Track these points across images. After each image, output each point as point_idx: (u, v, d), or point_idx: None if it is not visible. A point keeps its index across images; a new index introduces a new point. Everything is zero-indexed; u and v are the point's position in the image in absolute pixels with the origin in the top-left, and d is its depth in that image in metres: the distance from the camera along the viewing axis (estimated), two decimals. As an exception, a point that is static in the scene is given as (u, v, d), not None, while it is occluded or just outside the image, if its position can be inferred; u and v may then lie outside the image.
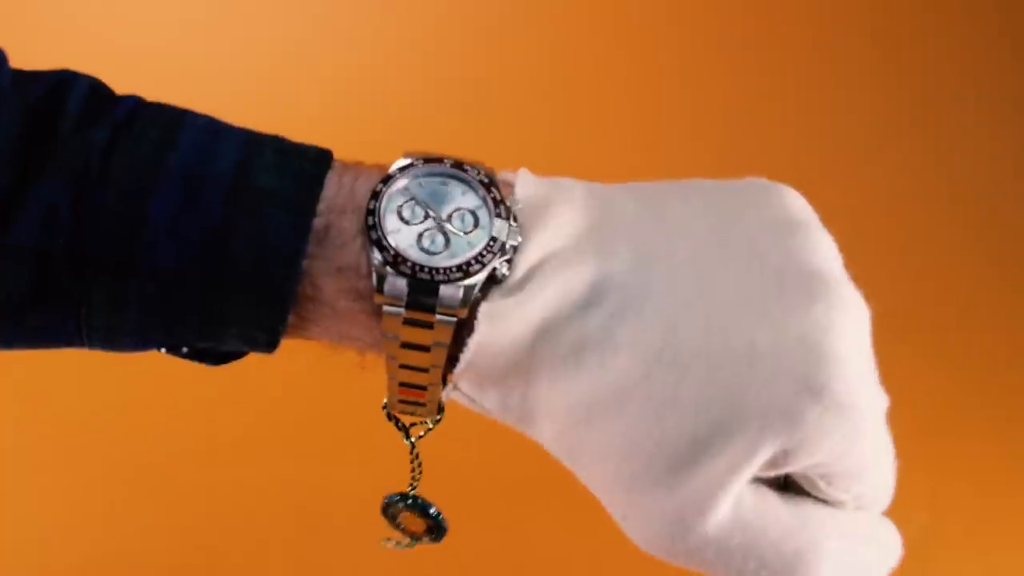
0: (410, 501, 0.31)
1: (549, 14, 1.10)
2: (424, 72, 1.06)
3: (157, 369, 0.50)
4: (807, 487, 0.27)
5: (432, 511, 0.31)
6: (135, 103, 0.27)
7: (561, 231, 0.26)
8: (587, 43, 1.11)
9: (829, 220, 0.28)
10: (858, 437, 0.24)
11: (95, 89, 0.27)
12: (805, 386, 0.24)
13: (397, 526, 0.32)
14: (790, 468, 0.25)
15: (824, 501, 0.27)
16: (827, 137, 1.12)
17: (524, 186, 0.27)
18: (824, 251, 0.27)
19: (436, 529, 0.32)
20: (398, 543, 0.33)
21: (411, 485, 0.31)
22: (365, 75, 1.04)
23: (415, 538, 0.33)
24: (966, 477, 0.88)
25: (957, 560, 0.85)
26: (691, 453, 0.24)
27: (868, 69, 1.14)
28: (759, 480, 0.26)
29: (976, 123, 1.15)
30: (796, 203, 0.28)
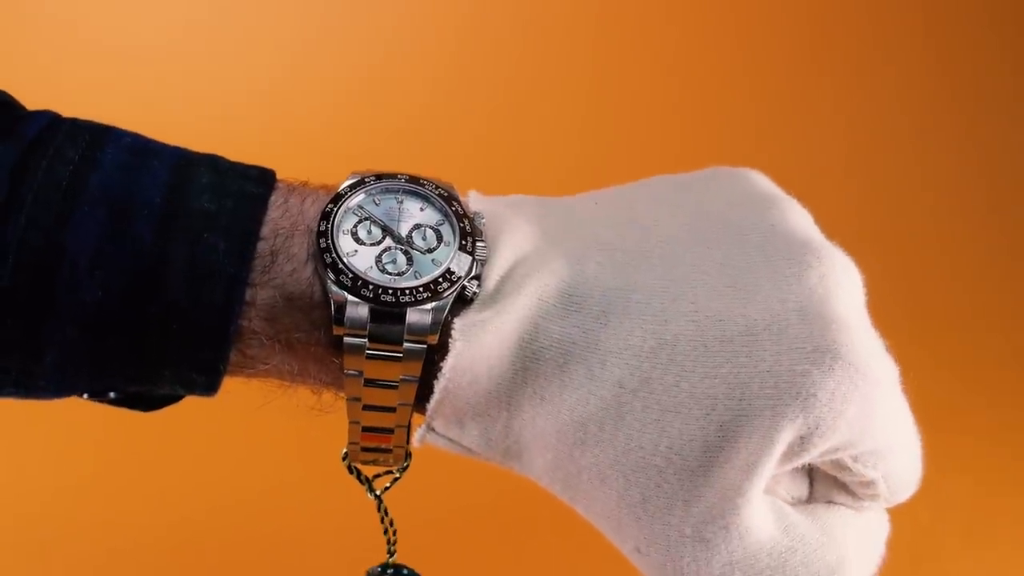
0: (391, 571, 0.27)
1: (556, 17, 1.07)
2: (433, 74, 1.02)
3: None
4: (835, 472, 0.24)
5: None
6: (49, 120, 0.24)
7: (524, 239, 0.24)
8: (606, 46, 1.08)
9: (830, 221, 0.27)
10: (877, 403, 0.22)
11: (2, 104, 0.24)
12: (812, 358, 0.21)
13: None
14: (811, 454, 0.22)
15: (849, 493, 0.24)
16: (824, 138, 1.10)
17: (476, 204, 0.26)
18: (803, 220, 0.25)
19: None
20: None
21: (389, 551, 0.28)
22: (371, 77, 1.00)
23: None
24: (966, 476, 0.87)
25: (957, 559, 0.83)
26: (704, 459, 0.22)
27: (860, 69, 1.13)
28: (782, 498, 0.24)
29: (978, 124, 1.14)
30: (762, 181, 0.27)
